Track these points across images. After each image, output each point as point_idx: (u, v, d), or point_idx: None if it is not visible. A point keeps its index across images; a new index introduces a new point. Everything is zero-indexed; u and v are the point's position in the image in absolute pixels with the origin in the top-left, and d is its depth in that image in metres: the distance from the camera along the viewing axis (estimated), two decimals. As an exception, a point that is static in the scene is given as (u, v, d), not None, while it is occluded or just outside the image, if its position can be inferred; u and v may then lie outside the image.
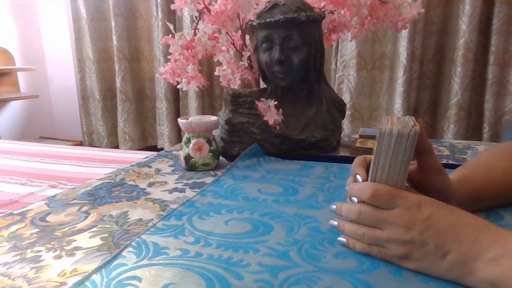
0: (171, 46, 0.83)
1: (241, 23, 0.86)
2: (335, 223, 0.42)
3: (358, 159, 0.43)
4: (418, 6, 0.86)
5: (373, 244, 0.38)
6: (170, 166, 0.75)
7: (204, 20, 0.83)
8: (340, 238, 0.41)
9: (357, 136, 0.95)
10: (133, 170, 0.71)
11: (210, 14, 0.82)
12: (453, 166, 0.59)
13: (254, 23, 0.78)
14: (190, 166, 0.71)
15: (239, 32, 0.89)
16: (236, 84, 0.91)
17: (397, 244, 0.36)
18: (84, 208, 0.53)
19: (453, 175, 0.48)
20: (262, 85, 0.88)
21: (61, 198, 0.57)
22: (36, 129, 2.74)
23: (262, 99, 0.78)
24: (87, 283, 0.34)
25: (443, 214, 0.36)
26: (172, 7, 0.81)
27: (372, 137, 0.87)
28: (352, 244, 0.40)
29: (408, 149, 0.37)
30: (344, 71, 1.95)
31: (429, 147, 0.41)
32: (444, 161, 0.76)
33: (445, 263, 0.34)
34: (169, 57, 0.87)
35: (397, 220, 0.36)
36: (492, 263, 0.32)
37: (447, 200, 0.39)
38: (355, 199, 0.40)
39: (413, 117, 0.39)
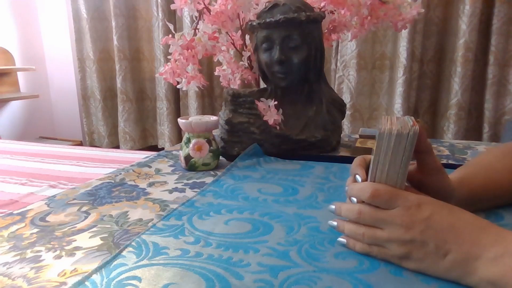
0: (171, 46, 0.83)
1: (241, 23, 0.86)
2: (335, 223, 0.42)
3: (357, 159, 0.43)
4: (418, 6, 0.86)
5: (373, 244, 0.38)
6: (170, 166, 0.75)
7: (204, 20, 0.83)
8: (340, 239, 0.41)
9: (357, 136, 0.95)
10: (133, 170, 0.71)
11: (210, 14, 0.82)
12: (453, 166, 0.59)
13: (254, 23, 0.78)
14: (190, 166, 0.71)
15: (239, 32, 0.89)
16: (236, 84, 0.91)
17: (397, 244, 0.36)
18: (84, 208, 0.53)
19: (453, 175, 0.48)
20: (262, 85, 0.88)
21: (61, 198, 0.57)
22: (36, 129, 2.74)
23: (262, 99, 0.78)
24: (87, 283, 0.34)
25: (444, 214, 0.36)
26: (172, 7, 0.81)
27: (372, 137, 0.87)
28: (352, 245, 0.40)
29: (408, 149, 0.37)
30: (344, 71, 1.95)
31: (428, 147, 0.41)
32: (444, 161, 0.76)
33: (445, 263, 0.34)
34: (169, 57, 0.87)
35: (397, 220, 0.36)
36: (493, 262, 0.32)
37: (446, 200, 0.39)
38: (355, 199, 0.40)
39: (412, 117, 0.39)
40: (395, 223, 0.36)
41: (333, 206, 0.43)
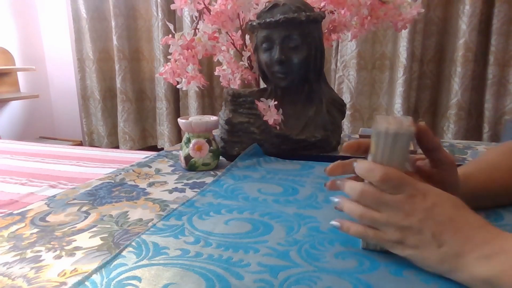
0: (171, 46, 0.83)
1: (241, 23, 0.86)
2: (336, 200, 0.42)
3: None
4: (418, 6, 0.86)
5: (369, 226, 0.38)
6: (170, 166, 0.75)
7: (204, 20, 0.83)
8: (333, 222, 0.41)
9: (357, 136, 0.95)
10: (133, 170, 0.71)
11: (210, 14, 0.82)
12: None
13: (254, 23, 0.78)
14: (190, 166, 0.71)
15: (239, 32, 0.89)
16: (236, 84, 0.91)
17: (394, 228, 0.36)
18: (84, 208, 0.53)
19: (459, 170, 0.48)
20: (262, 85, 0.88)
21: (61, 198, 0.57)
22: (36, 129, 2.74)
23: (262, 99, 0.78)
24: (87, 283, 0.34)
25: (446, 207, 0.36)
26: (172, 7, 0.81)
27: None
28: (346, 227, 0.40)
29: (405, 148, 0.37)
30: (344, 71, 1.95)
31: (437, 143, 0.41)
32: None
33: (439, 254, 0.34)
34: (169, 57, 0.87)
35: (399, 205, 0.36)
36: (486, 260, 0.32)
37: (452, 194, 0.38)
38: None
39: (409, 117, 0.39)
40: (396, 208, 0.36)
41: (337, 181, 0.42)
